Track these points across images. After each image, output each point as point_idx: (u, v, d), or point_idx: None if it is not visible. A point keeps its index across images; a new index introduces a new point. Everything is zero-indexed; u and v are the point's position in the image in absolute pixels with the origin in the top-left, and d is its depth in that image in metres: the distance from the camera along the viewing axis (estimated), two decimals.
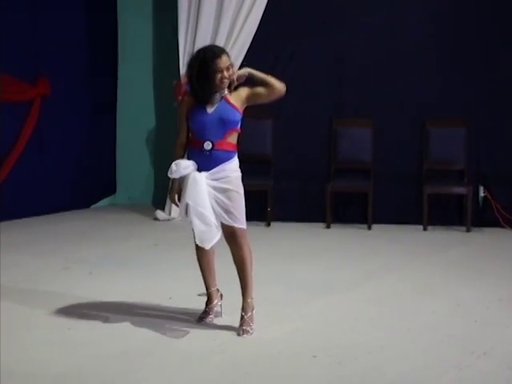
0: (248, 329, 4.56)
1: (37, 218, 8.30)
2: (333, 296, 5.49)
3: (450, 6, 8.20)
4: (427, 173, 8.23)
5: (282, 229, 8.03)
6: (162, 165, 9.27)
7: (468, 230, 7.92)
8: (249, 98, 4.60)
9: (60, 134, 8.67)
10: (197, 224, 4.47)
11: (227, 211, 4.52)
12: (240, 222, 4.56)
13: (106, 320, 4.84)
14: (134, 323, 4.76)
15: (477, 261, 6.70)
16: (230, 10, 8.31)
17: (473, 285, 5.83)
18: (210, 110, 4.52)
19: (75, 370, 4.03)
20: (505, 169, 8.15)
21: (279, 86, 4.65)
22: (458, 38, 8.19)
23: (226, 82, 4.52)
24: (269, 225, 8.15)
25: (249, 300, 4.63)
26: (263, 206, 8.16)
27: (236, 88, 4.61)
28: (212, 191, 4.51)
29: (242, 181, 4.62)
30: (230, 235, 4.57)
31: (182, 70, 8.46)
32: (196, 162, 4.53)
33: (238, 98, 4.59)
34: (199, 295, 5.21)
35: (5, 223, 7.80)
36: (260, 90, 4.60)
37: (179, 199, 4.62)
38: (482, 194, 8.18)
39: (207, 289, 4.82)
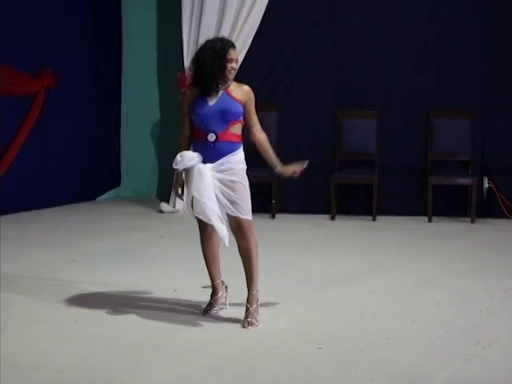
0: (253, 321, 4.57)
1: (42, 211, 8.31)
2: (338, 287, 5.50)
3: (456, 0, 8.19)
4: (432, 164, 8.22)
5: (286, 221, 8.03)
6: (166, 157, 9.25)
7: (472, 221, 7.92)
8: (246, 105, 4.63)
9: (64, 126, 8.67)
10: (215, 221, 4.48)
11: (233, 202, 4.53)
12: (246, 212, 4.57)
13: (111, 312, 4.85)
14: (139, 315, 4.77)
15: (481, 252, 6.70)
16: (233, 2, 8.30)
17: (477, 276, 5.83)
18: (211, 102, 4.55)
19: (81, 362, 4.05)
20: (509, 160, 8.14)
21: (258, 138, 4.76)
22: (463, 29, 8.16)
23: (233, 73, 4.58)
24: (274, 217, 8.16)
25: (254, 292, 4.64)
26: (268, 198, 8.16)
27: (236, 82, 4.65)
28: (217, 183, 4.52)
29: (247, 173, 4.64)
30: (236, 226, 4.58)
31: (186, 62, 8.45)
32: (201, 154, 4.56)
33: (240, 93, 4.62)
34: (204, 287, 5.21)
35: (10, 216, 7.81)
36: (251, 120, 4.69)
37: (183, 192, 4.65)
38: (486, 185, 8.17)
39: (212, 281, 4.82)
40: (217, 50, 4.53)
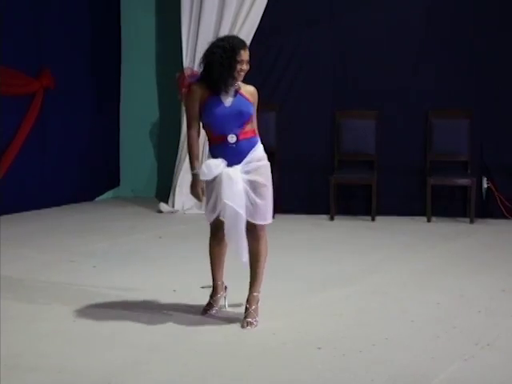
0: (252, 321, 4.57)
1: (41, 212, 8.31)
2: (337, 288, 5.50)
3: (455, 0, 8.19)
4: (431, 164, 8.23)
5: (286, 221, 8.03)
6: (165, 157, 9.29)
7: (472, 222, 7.92)
8: (252, 106, 4.59)
9: (64, 126, 8.68)
10: (242, 241, 4.48)
11: (255, 207, 4.50)
12: (264, 218, 4.57)
13: (110, 313, 4.85)
14: (138, 316, 4.77)
15: (480, 252, 6.70)
16: (232, 2, 8.31)
17: (476, 276, 5.83)
18: (227, 103, 4.47)
19: (81, 362, 4.04)
20: (508, 160, 8.15)
21: None
22: (462, 29, 8.18)
23: (242, 75, 4.50)
24: (273, 217, 8.11)
25: (255, 293, 4.63)
26: None
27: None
28: (246, 187, 4.47)
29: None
30: (251, 228, 4.55)
31: (185, 62, 8.46)
32: (223, 158, 4.45)
33: (249, 94, 4.58)
34: (203, 288, 5.22)
35: (9, 216, 7.81)
36: (252, 121, 4.61)
37: (203, 193, 4.55)
38: (485, 185, 8.18)
39: (214, 281, 4.81)
40: (227, 49, 4.44)
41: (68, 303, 5.05)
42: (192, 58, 8.46)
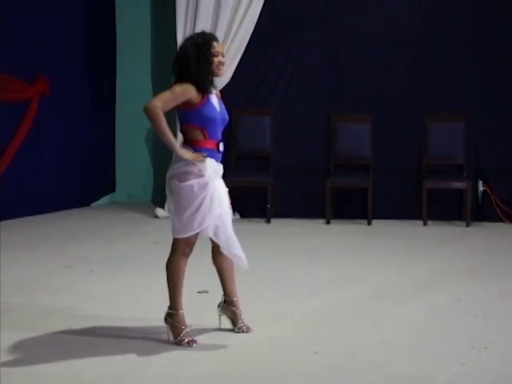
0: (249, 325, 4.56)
1: (37, 217, 8.29)
2: (333, 292, 5.50)
3: (451, 2, 8.20)
4: (426, 168, 8.24)
5: (282, 225, 8.03)
6: (161, 162, 9.26)
7: (468, 225, 7.92)
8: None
9: (59, 132, 8.66)
10: (237, 245, 4.39)
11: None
12: None
13: (107, 318, 4.84)
14: (135, 321, 4.77)
15: (477, 255, 6.71)
16: (227, 9, 8.30)
17: (473, 279, 5.83)
18: (218, 107, 4.34)
19: (78, 368, 4.04)
20: (503, 163, 8.15)
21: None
22: (456, 32, 8.18)
23: (222, 68, 4.34)
24: (269, 221, 8.15)
25: (237, 298, 4.56)
26: (263, 202, 8.16)
27: None
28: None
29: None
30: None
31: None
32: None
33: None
34: (199, 292, 5.22)
35: (5, 222, 7.79)
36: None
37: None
38: (481, 188, 8.18)
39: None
40: (200, 44, 4.25)
41: (64, 309, 5.04)
42: None
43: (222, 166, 4.41)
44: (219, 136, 4.37)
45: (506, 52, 8.13)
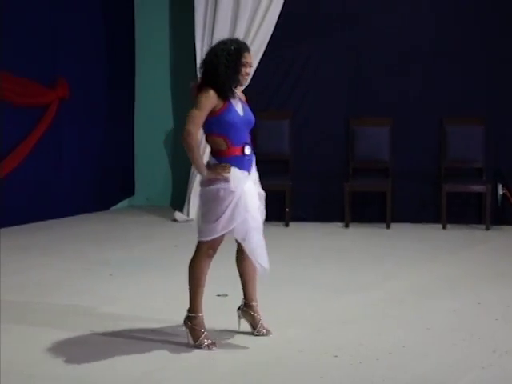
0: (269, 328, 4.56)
1: (57, 221, 8.34)
2: (353, 295, 5.49)
3: (467, 6, 8.17)
4: (445, 171, 8.21)
5: (300, 229, 8.03)
6: (179, 166, 9.31)
7: (487, 229, 7.89)
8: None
9: (78, 136, 8.72)
10: (264, 254, 4.37)
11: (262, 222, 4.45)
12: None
13: (127, 321, 4.86)
14: (154, 324, 4.78)
15: (496, 259, 6.68)
16: (246, 12, 8.33)
17: (493, 283, 5.81)
18: (240, 111, 4.35)
19: (97, 371, 4.05)
20: None
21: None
22: (475, 37, 8.16)
23: (247, 79, 4.39)
24: (287, 225, 8.15)
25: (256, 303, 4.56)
26: (282, 206, 8.16)
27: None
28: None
29: (261, 180, 4.57)
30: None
31: (200, 71, 8.46)
32: (239, 169, 4.31)
33: (245, 100, 4.49)
34: (218, 296, 5.23)
35: (26, 226, 7.85)
36: None
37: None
38: (500, 191, 8.14)
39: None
40: (232, 52, 4.29)
41: (84, 311, 5.06)
42: None
43: (252, 169, 4.40)
44: (243, 139, 4.35)
45: None
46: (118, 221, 8.57)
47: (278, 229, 7.95)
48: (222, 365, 4.13)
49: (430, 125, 8.27)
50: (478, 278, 5.95)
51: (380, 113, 8.30)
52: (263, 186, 4.56)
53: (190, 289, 4.42)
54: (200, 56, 8.50)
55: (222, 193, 4.26)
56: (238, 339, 4.51)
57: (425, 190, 8.27)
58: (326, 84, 8.40)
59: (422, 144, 8.27)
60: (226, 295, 5.29)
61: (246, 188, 4.31)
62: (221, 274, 5.02)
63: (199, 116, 4.25)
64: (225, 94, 4.29)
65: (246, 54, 4.33)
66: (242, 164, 4.32)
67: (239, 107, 4.37)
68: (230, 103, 4.32)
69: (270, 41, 8.30)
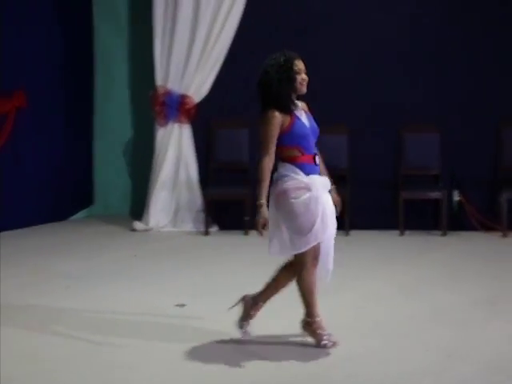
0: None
1: (13, 232, 8.22)
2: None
3: (426, 14, 8.28)
4: (403, 178, 8.30)
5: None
6: (139, 175, 9.27)
7: (444, 234, 7.99)
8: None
9: (36, 146, 8.63)
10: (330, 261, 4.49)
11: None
12: None
13: (87, 333, 4.83)
14: (115, 335, 4.76)
15: (453, 264, 6.76)
16: (206, 19, 8.34)
17: (449, 288, 5.88)
18: (306, 122, 4.45)
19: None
20: (479, 173, 8.22)
21: None
22: (432, 46, 8.26)
23: (305, 85, 4.45)
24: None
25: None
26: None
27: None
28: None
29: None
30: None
31: (159, 80, 8.48)
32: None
33: (308, 109, 4.57)
34: (177, 306, 5.23)
35: None
36: None
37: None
38: (456, 197, 8.25)
39: (316, 317, 4.55)
40: (282, 64, 4.39)
41: (41, 324, 5.02)
42: (165, 76, 8.48)
43: (327, 178, 4.49)
44: (313, 150, 4.46)
45: (478, 64, 8.22)
46: (77, 231, 8.49)
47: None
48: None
49: (386, 132, 8.33)
50: (435, 283, 6.03)
51: (337, 120, 8.32)
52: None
53: (304, 298, 4.50)
54: (159, 65, 8.50)
55: (311, 202, 4.34)
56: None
57: (382, 197, 8.34)
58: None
59: (379, 151, 8.34)
60: (184, 305, 5.30)
61: (325, 197, 4.41)
62: (178, 285, 5.02)
63: (270, 143, 4.36)
64: (288, 108, 4.39)
65: (296, 62, 4.44)
66: (315, 171, 4.42)
67: (304, 117, 4.46)
68: (296, 116, 4.42)
69: (228, 52, 8.32)
